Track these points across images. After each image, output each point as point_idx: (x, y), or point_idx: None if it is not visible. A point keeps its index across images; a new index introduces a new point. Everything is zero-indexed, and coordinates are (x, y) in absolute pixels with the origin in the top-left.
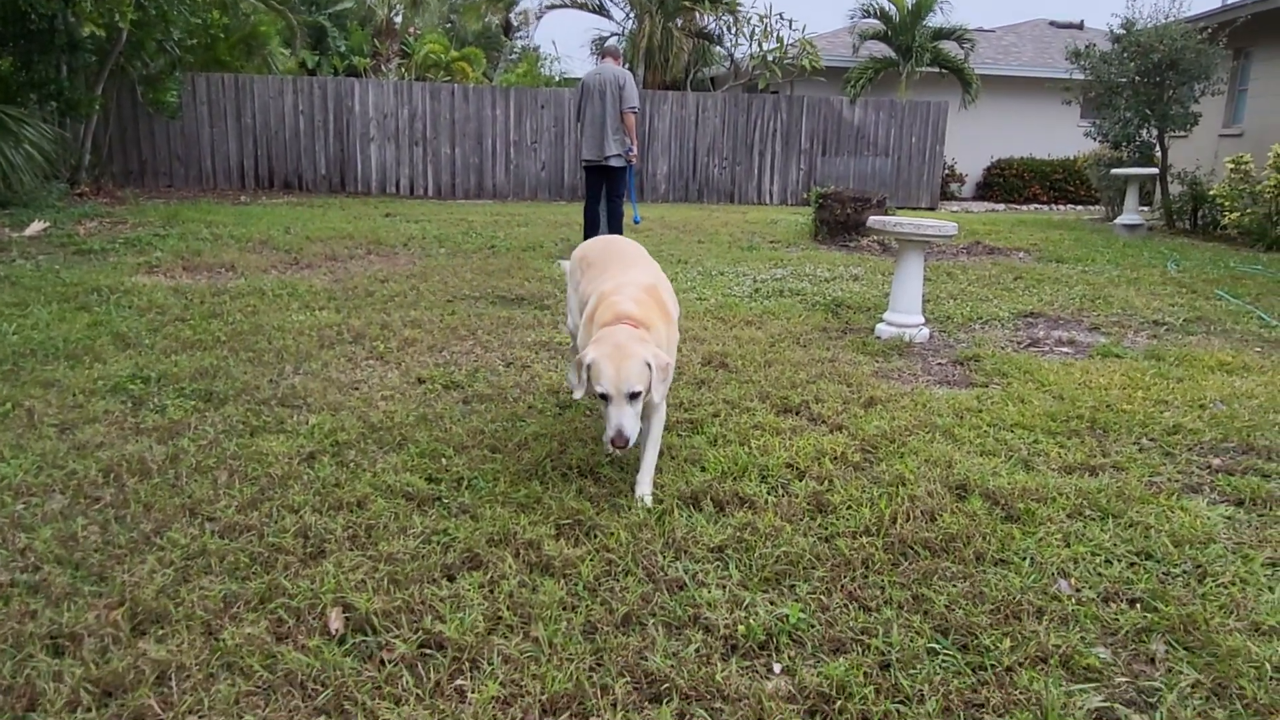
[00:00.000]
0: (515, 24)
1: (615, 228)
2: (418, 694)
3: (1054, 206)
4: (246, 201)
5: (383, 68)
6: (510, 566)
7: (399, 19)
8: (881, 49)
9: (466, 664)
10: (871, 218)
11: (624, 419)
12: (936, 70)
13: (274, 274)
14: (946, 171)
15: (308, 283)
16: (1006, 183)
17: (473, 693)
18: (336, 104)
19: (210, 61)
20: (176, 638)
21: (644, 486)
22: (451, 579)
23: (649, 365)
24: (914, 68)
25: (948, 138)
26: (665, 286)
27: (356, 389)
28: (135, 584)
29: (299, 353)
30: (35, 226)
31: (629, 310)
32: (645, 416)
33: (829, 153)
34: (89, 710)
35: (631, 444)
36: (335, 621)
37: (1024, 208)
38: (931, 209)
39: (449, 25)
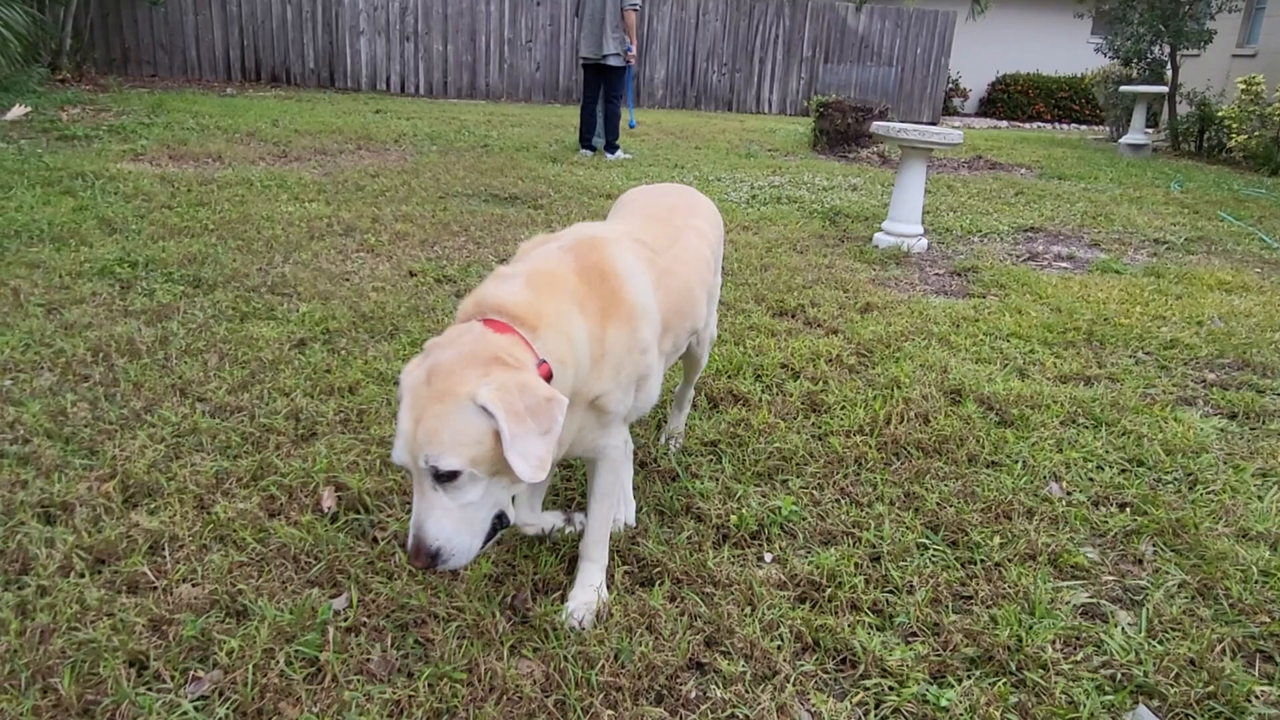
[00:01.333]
0: None
1: (611, 130)
2: (410, 570)
3: (1058, 125)
4: (233, 93)
5: None
6: None
7: None
8: None
9: None
10: (875, 123)
11: (427, 516)
12: None
13: (262, 166)
14: (950, 86)
15: (297, 175)
16: (1011, 99)
17: (466, 570)
18: None
19: None
20: (169, 510)
21: (578, 599)
22: None
23: (487, 414)
24: None
25: (954, 50)
26: (687, 263)
27: (347, 279)
28: (126, 458)
29: (288, 243)
30: (16, 111)
31: (502, 300)
32: (593, 459)
33: (831, 61)
34: (81, 576)
35: (451, 565)
36: (327, 500)
37: (1027, 125)
38: (933, 124)
39: None
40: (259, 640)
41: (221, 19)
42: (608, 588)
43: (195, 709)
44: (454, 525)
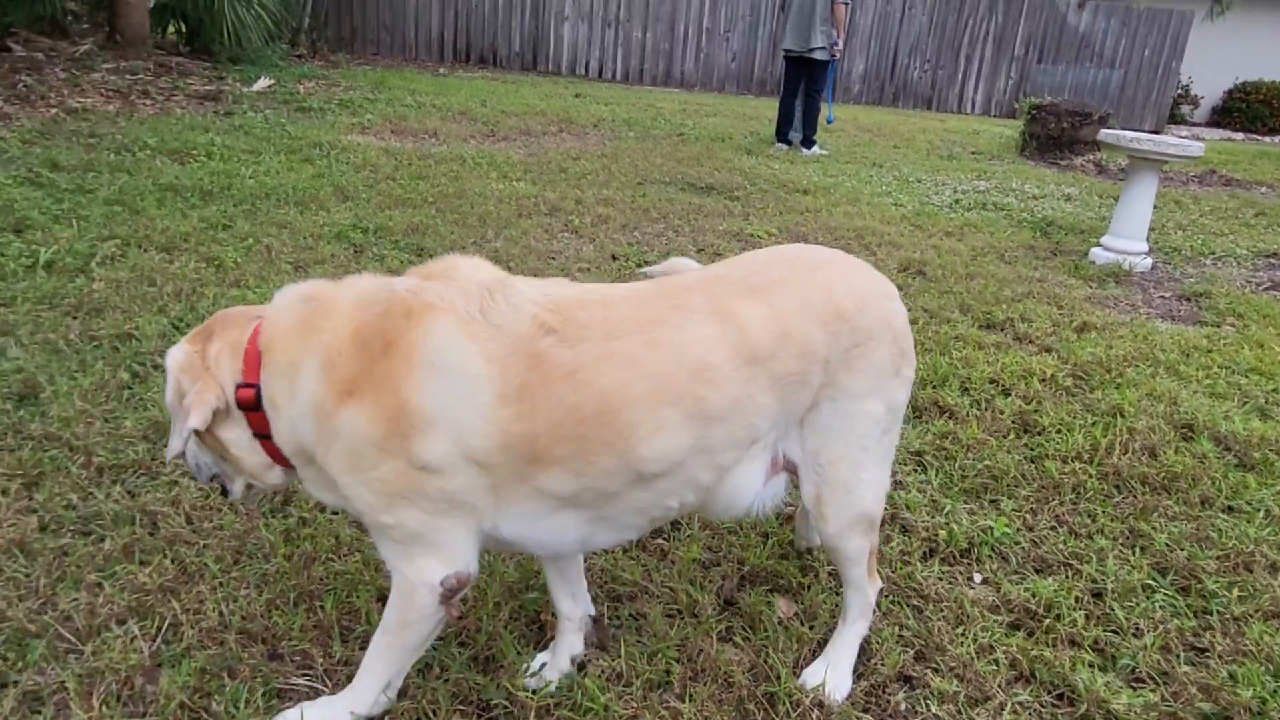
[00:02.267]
0: None
1: (810, 124)
2: (623, 546)
3: None
4: (444, 73)
5: None
6: None
7: None
8: None
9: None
10: (1103, 131)
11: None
12: None
13: (473, 144)
14: (1179, 91)
15: (505, 154)
16: (1250, 109)
17: (675, 551)
18: None
19: None
20: None
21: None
22: None
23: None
24: None
25: (1186, 53)
26: (631, 367)
27: (554, 258)
28: None
29: (499, 219)
30: (262, 83)
31: (272, 316)
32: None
33: (1045, 61)
34: (333, 515)
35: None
36: None
37: (1268, 139)
38: (1155, 133)
39: None
40: (490, 594)
41: (440, 4)
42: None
43: (432, 648)
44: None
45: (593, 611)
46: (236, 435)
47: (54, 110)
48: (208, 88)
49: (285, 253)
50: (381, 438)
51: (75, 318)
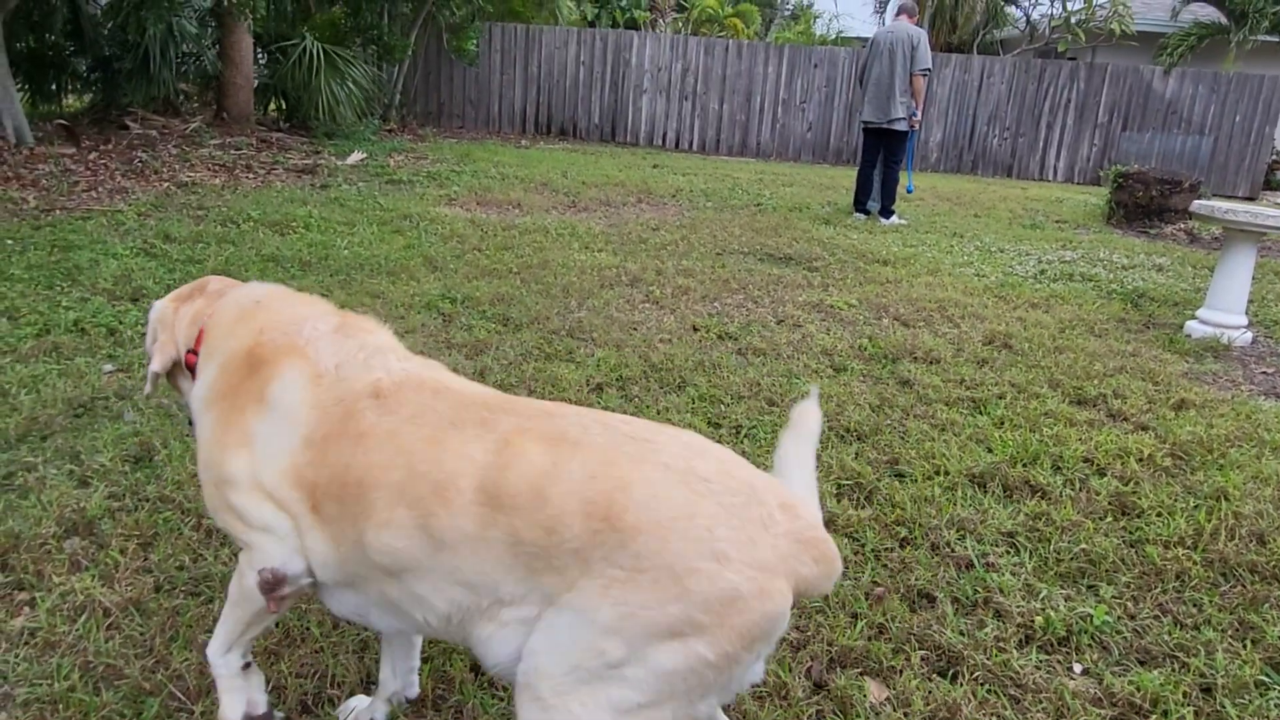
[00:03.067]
0: None
1: (889, 195)
2: None
3: None
4: (526, 145)
5: (660, 21)
6: None
7: None
8: (1209, 12)
9: None
10: (1195, 201)
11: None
12: (1276, 39)
13: (555, 214)
14: (1274, 156)
15: (586, 225)
16: None
17: None
18: (615, 56)
19: (505, 13)
20: None
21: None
22: None
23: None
24: (1248, 35)
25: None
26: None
27: (636, 329)
28: None
29: (582, 289)
30: (355, 156)
31: (231, 291)
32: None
33: (1130, 128)
34: None
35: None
36: None
37: None
38: (1250, 199)
39: None
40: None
41: (523, 79)
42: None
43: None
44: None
45: (413, 693)
46: (186, 387)
47: (166, 184)
48: (305, 161)
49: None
50: (216, 445)
51: None
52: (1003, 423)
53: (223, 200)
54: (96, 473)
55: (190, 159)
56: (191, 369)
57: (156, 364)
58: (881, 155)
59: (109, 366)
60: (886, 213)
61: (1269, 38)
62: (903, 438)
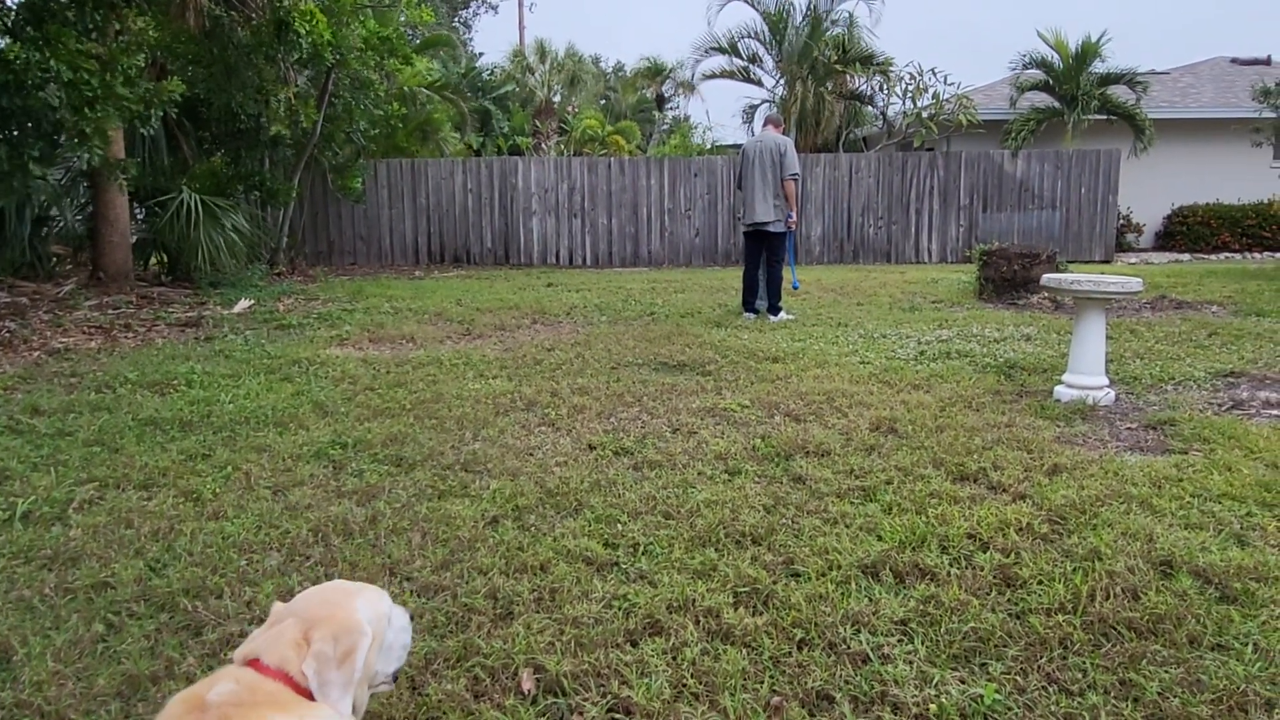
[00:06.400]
0: (668, 96)
1: (774, 293)
2: None
3: (1248, 254)
4: (420, 276)
5: (543, 145)
6: (691, 634)
7: (558, 98)
8: (1044, 99)
9: None
10: (1045, 276)
11: None
12: (1105, 118)
13: (449, 344)
14: (1121, 222)
15: (480, 352)
16: (1190, 231)
17: None
18: (502, 181)
19: (390, 148)
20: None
21: None
22: (635, 644)
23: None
24: (1080, 116)
25: (1121, 186)
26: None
27: (532, 455)
28: None
29: (477, 420)
30: (242, 304)
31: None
32: None
33: (990, 208)
34: None
35: None
36: (527, 682)
37: (1212, 257)
38: (1106, 262)
39: (604, 100)
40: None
41: (412, 211)
42: None
43: None
44: None
45: None
46: None
47: (36, 353)
48: (189, 314)
49: (264, 478)
50: None
51: (51, 569)
52: (891, 508)
53: (98, 364)
54: None
55: (64, 323)
56: None
57: None
58: (764, 255)
59: None
60: (774, 310)
61: (1099, 116)
62: (796, 536)
